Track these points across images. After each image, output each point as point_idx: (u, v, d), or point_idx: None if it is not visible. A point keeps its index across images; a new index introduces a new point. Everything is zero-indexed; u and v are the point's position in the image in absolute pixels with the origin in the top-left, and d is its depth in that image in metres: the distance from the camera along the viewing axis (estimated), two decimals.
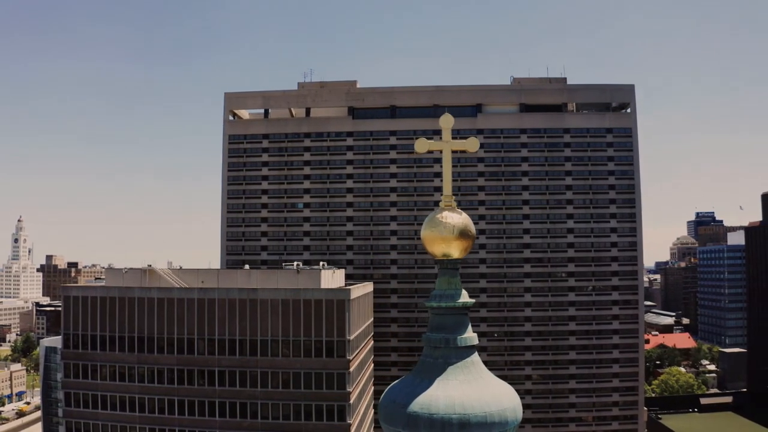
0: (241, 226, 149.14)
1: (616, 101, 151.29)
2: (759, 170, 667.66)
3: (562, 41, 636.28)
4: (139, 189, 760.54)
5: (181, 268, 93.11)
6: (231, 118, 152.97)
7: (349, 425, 77.99)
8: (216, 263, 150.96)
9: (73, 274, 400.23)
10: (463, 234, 21.11)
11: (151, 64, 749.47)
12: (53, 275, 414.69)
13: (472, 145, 23.94)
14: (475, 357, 20.70)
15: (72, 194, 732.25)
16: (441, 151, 22.68)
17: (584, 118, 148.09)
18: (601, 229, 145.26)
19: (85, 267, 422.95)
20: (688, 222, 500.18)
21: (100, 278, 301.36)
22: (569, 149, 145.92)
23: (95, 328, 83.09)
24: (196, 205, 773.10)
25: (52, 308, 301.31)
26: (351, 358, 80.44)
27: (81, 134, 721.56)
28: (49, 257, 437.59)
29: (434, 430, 18.61)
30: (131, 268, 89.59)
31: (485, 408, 19.14)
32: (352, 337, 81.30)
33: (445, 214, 21.23)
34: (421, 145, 23.93)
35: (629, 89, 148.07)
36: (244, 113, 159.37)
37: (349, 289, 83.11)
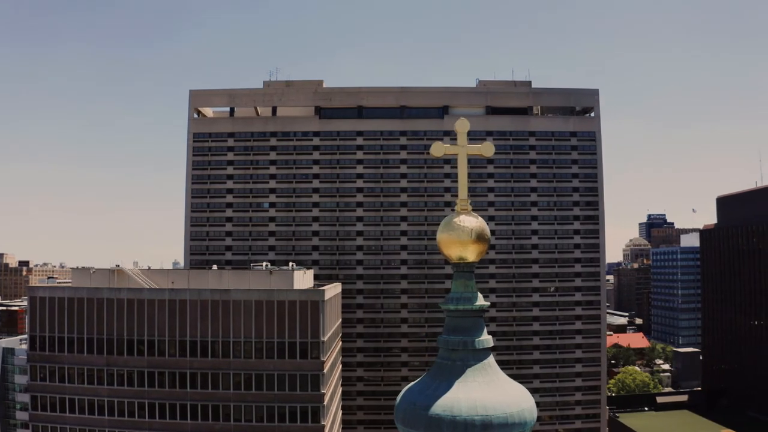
0: (206, 226, 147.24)
1: (580, 105, 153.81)
2: (709, 174, 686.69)
3: (527, 44, 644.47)
4: (97, 184, 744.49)
5: (149, 268, 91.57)
6: (196, 115, 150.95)
7: (323, 427, 77.69)
8: (179, 263, 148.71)
9: (24, 273, 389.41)
10: (480, 238, 21.38)
11: (114, 57, 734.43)
12: (4, 274, 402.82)
13: (487, 149, 24.12)
14: (491, 359, 20.98)
15: (28, 190, 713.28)
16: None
17: (549, 122, 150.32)
18: (565, 231, 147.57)
19: (37, 266, 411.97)
20: (640, 224, 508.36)
21: (52, 277, 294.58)
22: (534, 152, 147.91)
23: (62, 330, 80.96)
24: (158, 203, 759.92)
25: (4, 308, 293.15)
26: (325, 359, 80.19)
27: (38, 125, 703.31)
28: None
29: (457, 431, 18.76)
30: (99, 269, 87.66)
31: (506, 409, 19.41)
32: (325, 338, 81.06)
33: (462, 217, 21.41)
34: (437, 149, 23.96)
35: (593, 93, 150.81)
36: (209, 111, 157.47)
37: (324, 290, 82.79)
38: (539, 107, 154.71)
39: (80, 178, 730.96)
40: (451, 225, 21.48)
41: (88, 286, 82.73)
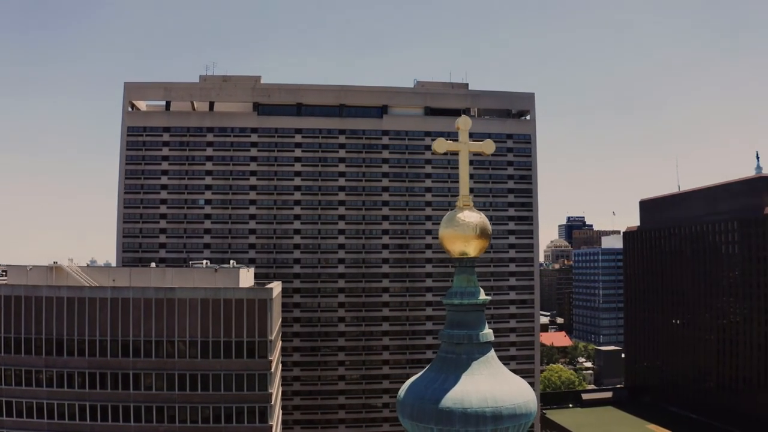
0: (139, 222, 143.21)
1: (516, 108, 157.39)
2: (627, 177, 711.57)
3: (464, 47, 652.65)
4: (22, 177, 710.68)
5: (88, 265, 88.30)
6: (130, 109, 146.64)
7: (271, 427, 76.79)
8: (111, 260, 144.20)
9: None
10: (483, 233, 21.65)
11: (43, 45, 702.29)
12: None
13: (488, 147, 24.50)
14: (493, 352, 21.40)
15: None
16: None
17: (486, 124, 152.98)
18: (500, 231, 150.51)
19: None
20: (560, 225, 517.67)
21: None
22: (472, 153, 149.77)
23: None
24: (89, 197, 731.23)
25: None
26: (272, 358, 79.36)
27: None
28: None
29: (468, 424, 19.02)
30: (36, 266, 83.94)
31: (513, 400, 19.85)
32: (273, 337, 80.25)
33: (466, 213, 21.67)
34: (440, 146, 24.20)
35: (529, 97, 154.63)
36: (143, 105, 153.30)
37: (271, 288, 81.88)
38: (477, 109, 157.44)
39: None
40: (455, 220, 21.68)
41: (25, 284, 79.16)
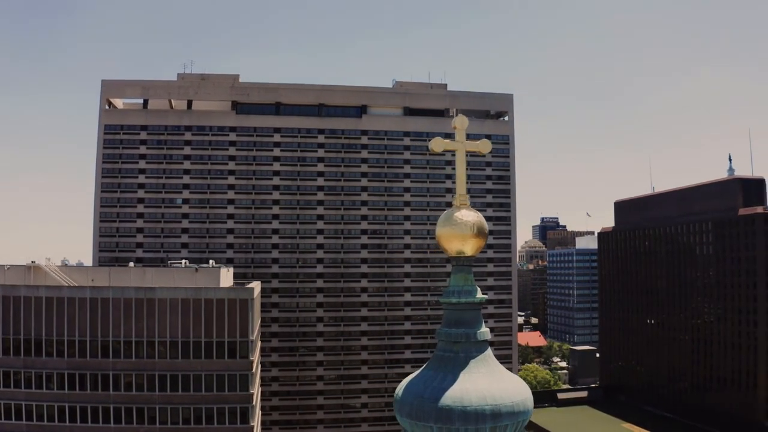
0: (116, 222, 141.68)
1: (495, 109, 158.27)
2: (600, 179, 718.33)
3: (443, 48, 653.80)
4: None
5: (66, 264, 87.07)
6: (107, 107, 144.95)
7: (252, 427, 76.38)
8: (84, 260, 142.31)
9: None
10: (480, 232, 21.74)
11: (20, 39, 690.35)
12: None
13: (484, 146, 24.69)
14: (490, 350, 21.54)
15: None
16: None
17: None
18: None
19: None
20: (534, 226, 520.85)
21: None
22: (450, 153, 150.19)
23: None
24: (62, 196, 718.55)
25: None
26: (254, 358, 78.94)
27: None
28: None
29: (468, 422, 19.14)
30: (14, 265, 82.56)
31: (512, 398, 20.04)
32: (254, 337, 79.84)
33: (463, 212, 21.73)
34: (437, 145, 24.37)
35: (508, 98, 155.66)
36: (121, 102, 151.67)
37: (252, 288, 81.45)
38: (455, 110, 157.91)
39: None
40: (452, 219, 21.75)
41: (2, 284, 77.82)
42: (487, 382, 20.22)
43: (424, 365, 21.55)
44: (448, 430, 19.33)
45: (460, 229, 21.54)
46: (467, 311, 21.66)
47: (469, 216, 21.75)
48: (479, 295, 21.63)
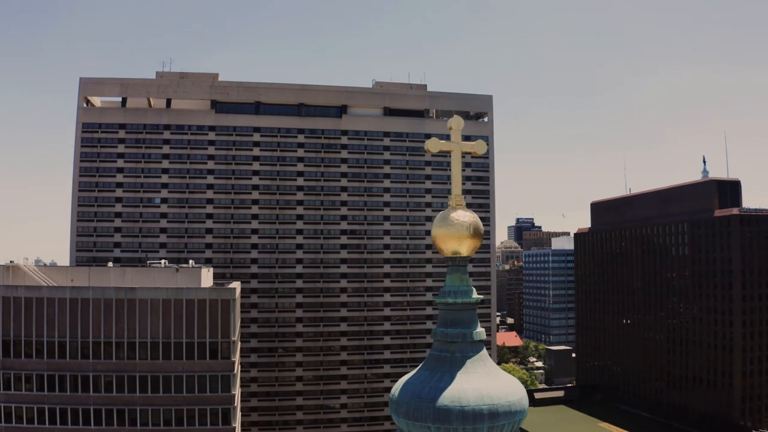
0: (93, 221, 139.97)
1: (475, 110, 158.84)
2: (575, 180, 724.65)
3: (423, 49, 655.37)
4: None
5: (45, 264, 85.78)
6: (85, 105, 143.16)
7: (234, 429, 75.94)
8: (58, 260, 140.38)
9: None
10: (476, 233, 21.70)
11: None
12: None
13: (480, 147, 24.63)
14: (485, 350, 21.66)
15: None
16: (445, 152, 23.15)
17: (444, 124, 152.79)
18: None
19: None
20: (509, 227, 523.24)
21: None
22: (430, 153, 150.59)
23: None
24: (36, 195, 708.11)
25: None
26: (235, 359, 78.49)
27: None
28: None
29: (466, 421, 19.18)
30: None
31: (508, 398, 20.11)
32: (235, 338, 79.37)
33: (459, 212, 21.65)
34: (433, 145, 24.35)
35: (487, 99, 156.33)
36: (99, 101, 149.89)
37: (235, 288, 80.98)
38: (435, 110, 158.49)
39: None
40: (448, 220, 21.67)
41: None
42: (484, 382, 20.25)
43: (420, 365, 21.51)
44: (446, 430, 19.28)
45: (457, 229, 21.46)
46: (463, 311, 21.69)
47: (465, 216, 21.70)
48: (475, 295, 21.66)
